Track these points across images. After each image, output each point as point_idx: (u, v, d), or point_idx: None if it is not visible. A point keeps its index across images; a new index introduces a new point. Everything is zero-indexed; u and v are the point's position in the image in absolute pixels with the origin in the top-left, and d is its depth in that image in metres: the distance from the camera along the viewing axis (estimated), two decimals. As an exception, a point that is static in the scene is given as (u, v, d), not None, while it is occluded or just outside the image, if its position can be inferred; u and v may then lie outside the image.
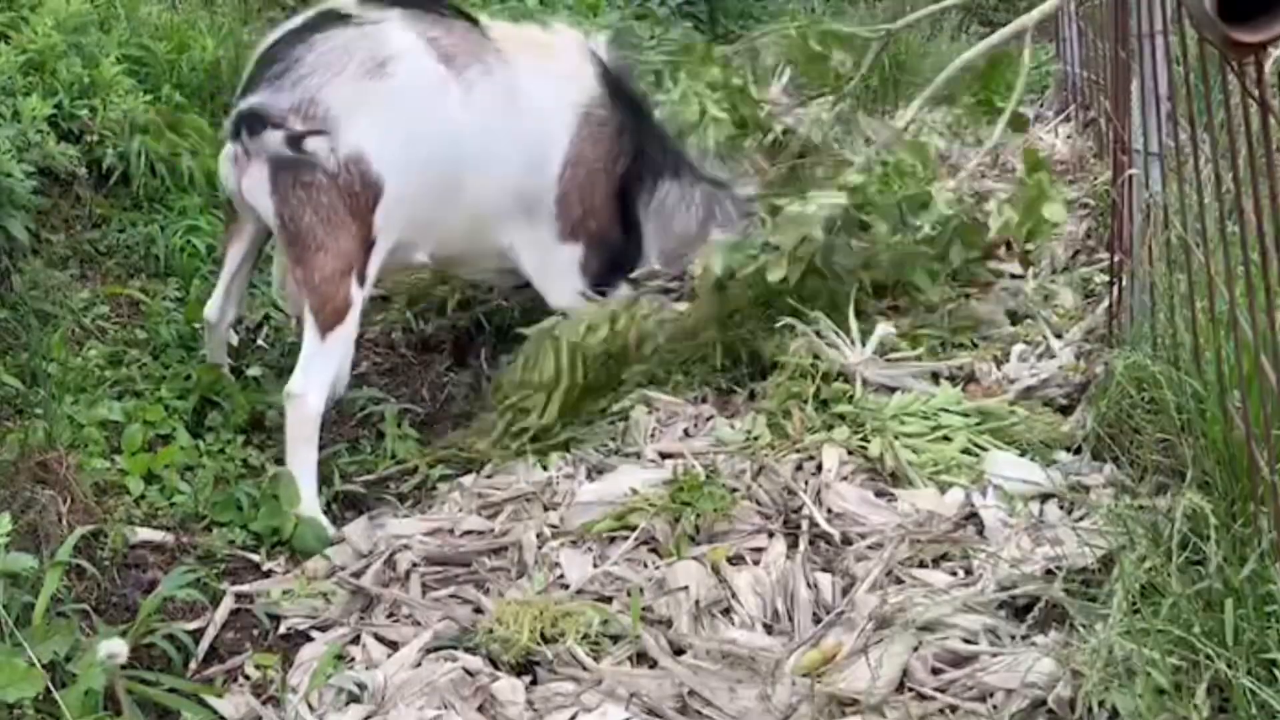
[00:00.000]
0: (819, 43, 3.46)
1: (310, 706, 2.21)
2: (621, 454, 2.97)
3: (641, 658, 2.25)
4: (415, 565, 2.61)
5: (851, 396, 2.91)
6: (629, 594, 2.40)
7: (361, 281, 2.95)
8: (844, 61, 3.70)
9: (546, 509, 2.75)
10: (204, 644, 2.42)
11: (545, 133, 3.30)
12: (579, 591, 2.44)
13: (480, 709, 2.16)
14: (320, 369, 2.89)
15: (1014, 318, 3.47)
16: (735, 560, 2.48)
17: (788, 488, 2.65)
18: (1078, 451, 2.70)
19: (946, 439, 2.77)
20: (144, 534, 2.71)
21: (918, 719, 2.01)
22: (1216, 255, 2.11)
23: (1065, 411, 2.89)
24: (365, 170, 2.90)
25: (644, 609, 2.36)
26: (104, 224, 3.75)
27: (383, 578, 2.59)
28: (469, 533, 2.72)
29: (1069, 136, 5.22)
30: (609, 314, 3.13)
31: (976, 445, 2.75)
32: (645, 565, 2.51)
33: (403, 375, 3.71)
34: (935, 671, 2.10)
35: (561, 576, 2.50)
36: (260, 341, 3.65)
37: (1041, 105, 6.16)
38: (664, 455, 2.89)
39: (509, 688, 2.18)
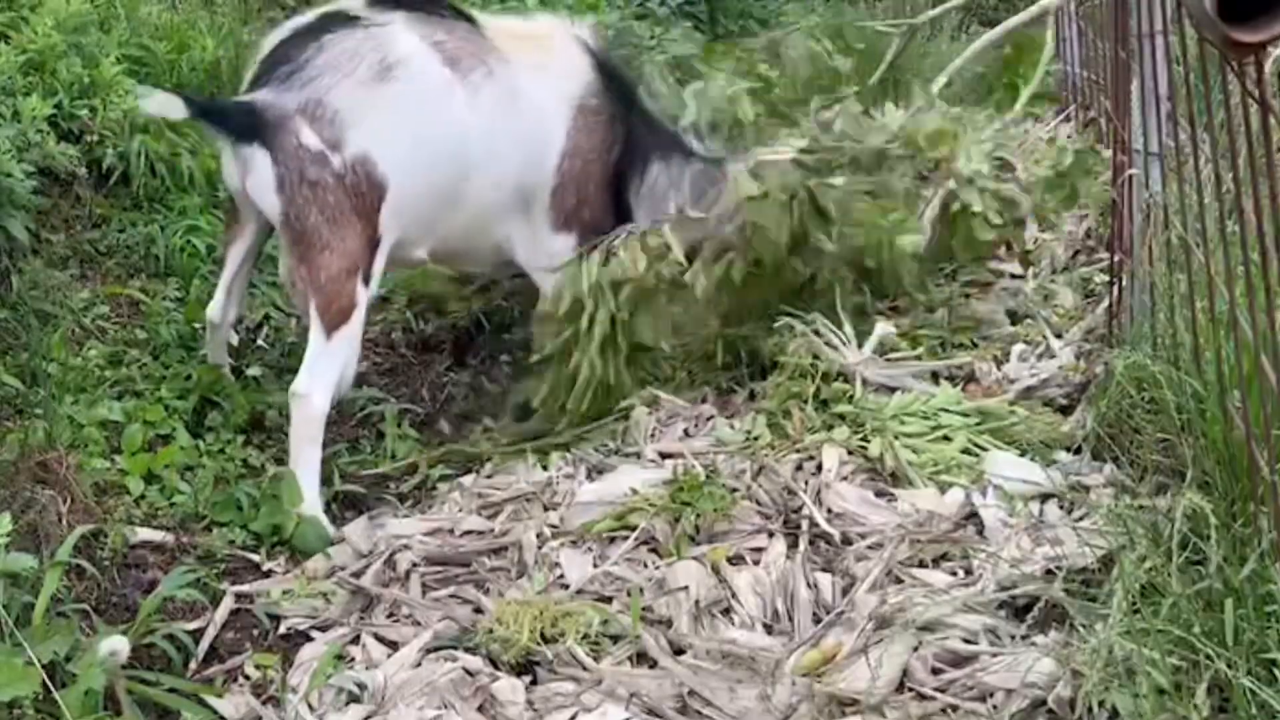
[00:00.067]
0: (840, 39, 3.46)
1: (310, 706, 2.21)
2: (621, 454, 2.97)
3: (641, 658, 2.25)
4: (415, 565, 2.61)
5: (851, 396, 2.91)
6: (629, 594, 2.40)
7: (366, 281, 2.96)
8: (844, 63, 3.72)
9: (546, 509, 2.75)
10: (204, 644, 2.42)
11: (544, 128, 3.31)
12: (579, 591, 2.44)
13: (480, 709, 2.16)
14: (325, 368, 2.89)
15: (1014, 318, 3.47)
16: (735, 560, 2.48)
17: (788, 488, 2.65)
18: (1078, 451, 2.70)
19: (946, 439, 2.77)
20: (144, 534, 2.71)
21: (918, 719, 2.01)
22: (1216, 255, 2.11)
23: (1065, 411, 2.89)
24: (371, 171, 2.91)
25: (644, 609, 2.36)
26: (104, 224, 3.75)
27: (383, 578, 2.59)
28: (469, 533, 2.72)
29: (1069, 136, 5.21)
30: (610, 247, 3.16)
31: (976, 445, 2.75)
32: (645, 565, 2.51)
33: (403, 375, 3.71)
34: (935, 671, 2.10)
35: (561, 576, 2.50)
36: (260, 341, 3.65)
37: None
38: (664, 455, 2.89)
39: (509, 688, 2.18)
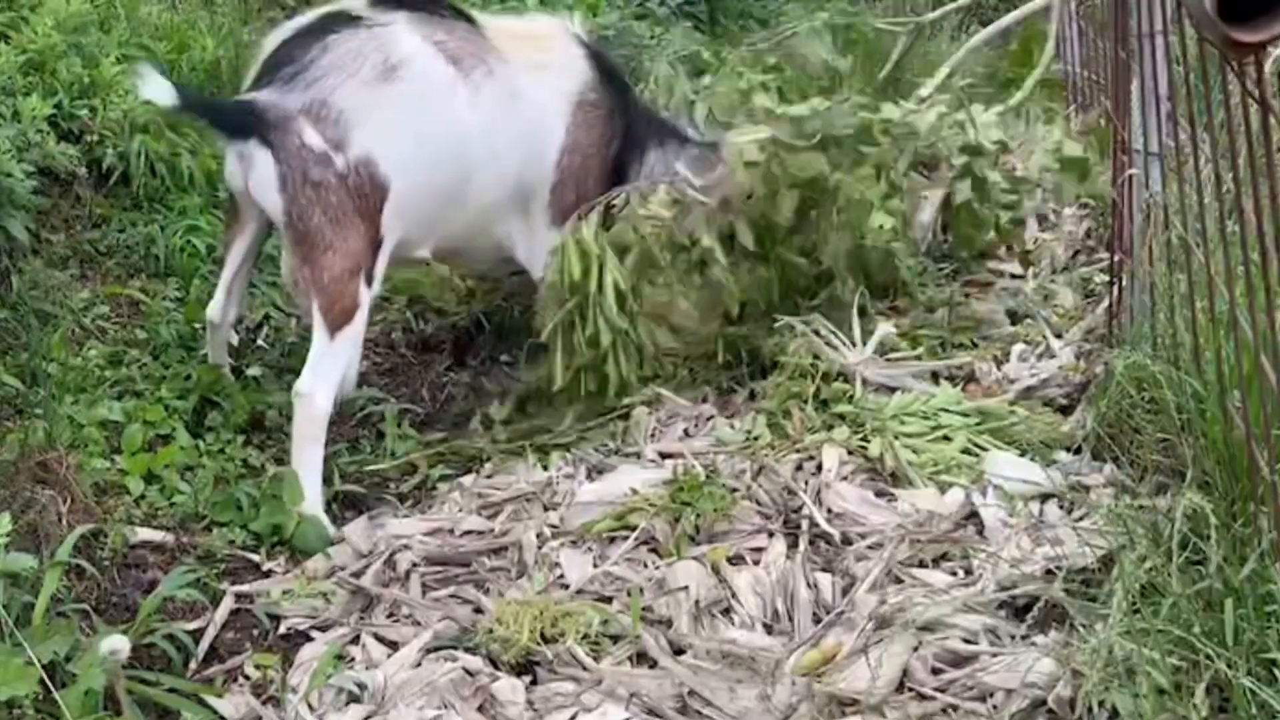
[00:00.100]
0: (847, 36, 3.46)
1: (310, 706, 2.21)
2: (621, 454, 2.97)
3: (641, 658, 2.25)
4: (415, 565, 2.61)
5: (851, 396, 2.91)
6: (629, 594, 2.40)
7: (369, 281, 2.97)
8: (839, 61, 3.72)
9: (546, 509, 2.75)
10: (204, 644, 2.42)
11: (543, 126, 3.32)
12: (579, 591, 2.44)
13: (480, 709, 2.16)
14: (329, 368, 2.90)
15: (1014, 318, 3.47)
16: (735, 560, 2.48)
17: (788, 488, 2.65)
18: (1078, 451, 2.70)
19: (946, 439, 2.78)
20: (144, 534, 2.71)
21: (918, 719, 2.01)
22: (1216, 255, 2.11)
23: (1065, 411, 2.89)
24: (374, 172, 2.92)
25: (644, 609, 2.36)
26: (104, 224, 3.75)
27: (383, 578, 2.59)
28: (469, 533, 2.72)
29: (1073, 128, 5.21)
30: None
31: (976, 445, 2.75)
32: (645, 565, 2.51)
33: (403, 375, 3.71)
34: (935, 671, 2.10)
35: (561, 576, 2.50)
36: (260, 341, 3.65)
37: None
38: (664, 455, 2.89)
39: (509, 688, 2.18)
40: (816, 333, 3.08)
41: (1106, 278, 3.24)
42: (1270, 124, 1.58)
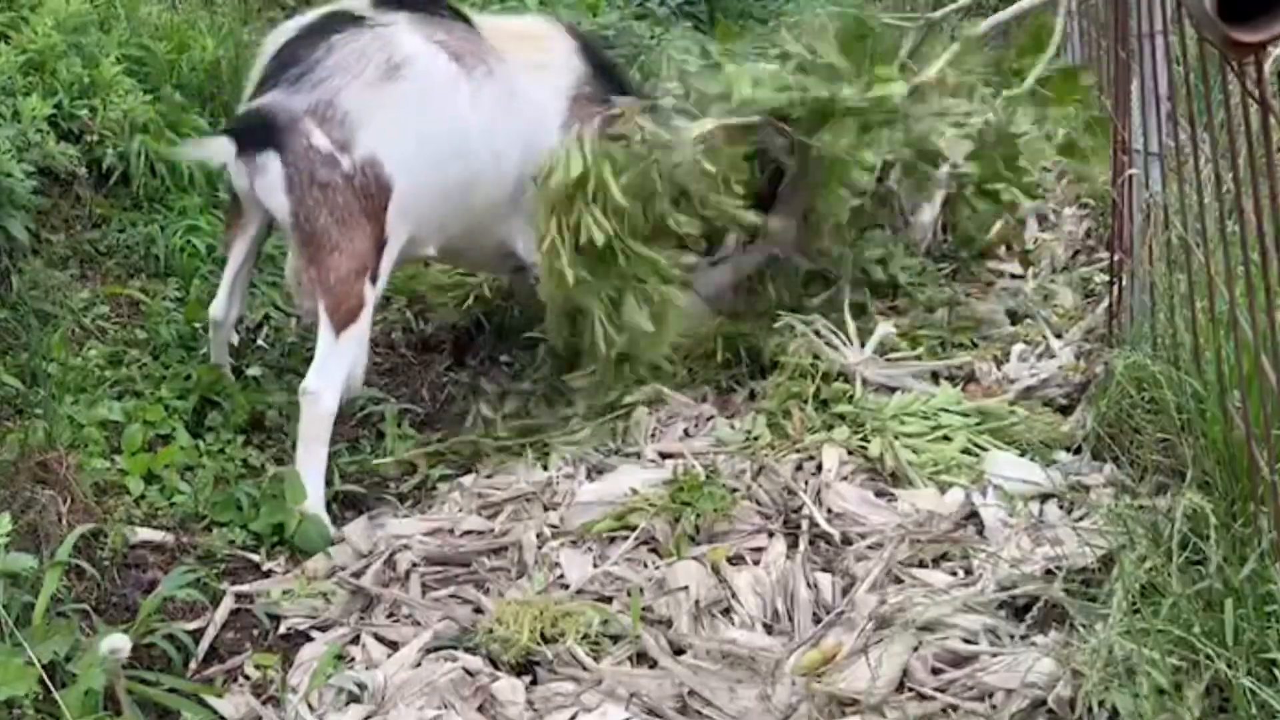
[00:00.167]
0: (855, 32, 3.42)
1: (310, 706, 2.21)
2: (621, 454, 2.97)
3: (641, 658, 2.25)
4: (415, 565, 2.61)
5: (851, 396, 2.91)
6: (629, 594, 2.40)
7: (374, 281, 2.98)
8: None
9: (546, 509, 2.75)
10: (204, 644, 2.42)
11: (541, 123, 3.32)
12: (579, 591, 2.44)
13: (480, 709, 2.16)
14: (334, 368, 2.91)
15: (1014, 317, 3.47)
16: (735, 560, 2.48)
17: (788, 488, 2.65)
18: (1078, 451, 2.70)
19: (946, 439, 2.78)
20: (144, 534, 2.71)
21: (917, 719, 2.01)
22: (1216, 255, 2.11)
23: (1065, 411, 2.89)
24: (380, 172, 2.93)
25: (644, 609, 2.36)
26: (104, 224, 3.75)
27: (383, 578, 2.59)
28: (469, 533, 2.72)
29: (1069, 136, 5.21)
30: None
31: (976, 445, 2.75)
32: (645, 565, 2.51)
33: (403, 375, 3.71)
34: (935, 671, 2.10)
35: (561, 576, 2.50)
36: (260, 341, 3.65)
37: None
38: (664, 455, 2.89)
39: (509, 688, 2.18)
40: (817, 333, 3.07)
41: (1106, 278, 3.24)
42: (1270, 124, 1.58)
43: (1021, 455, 2.69)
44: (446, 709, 2.15)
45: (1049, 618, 2.17)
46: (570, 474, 2.89)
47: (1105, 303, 3.20)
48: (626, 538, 2.56)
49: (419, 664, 2.28)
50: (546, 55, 3.39)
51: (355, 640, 2.40)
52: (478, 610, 2.42)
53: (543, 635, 2.27)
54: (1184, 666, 1.79)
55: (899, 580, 2.36)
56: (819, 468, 2.73)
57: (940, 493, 2.62)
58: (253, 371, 3.41)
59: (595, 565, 2.51)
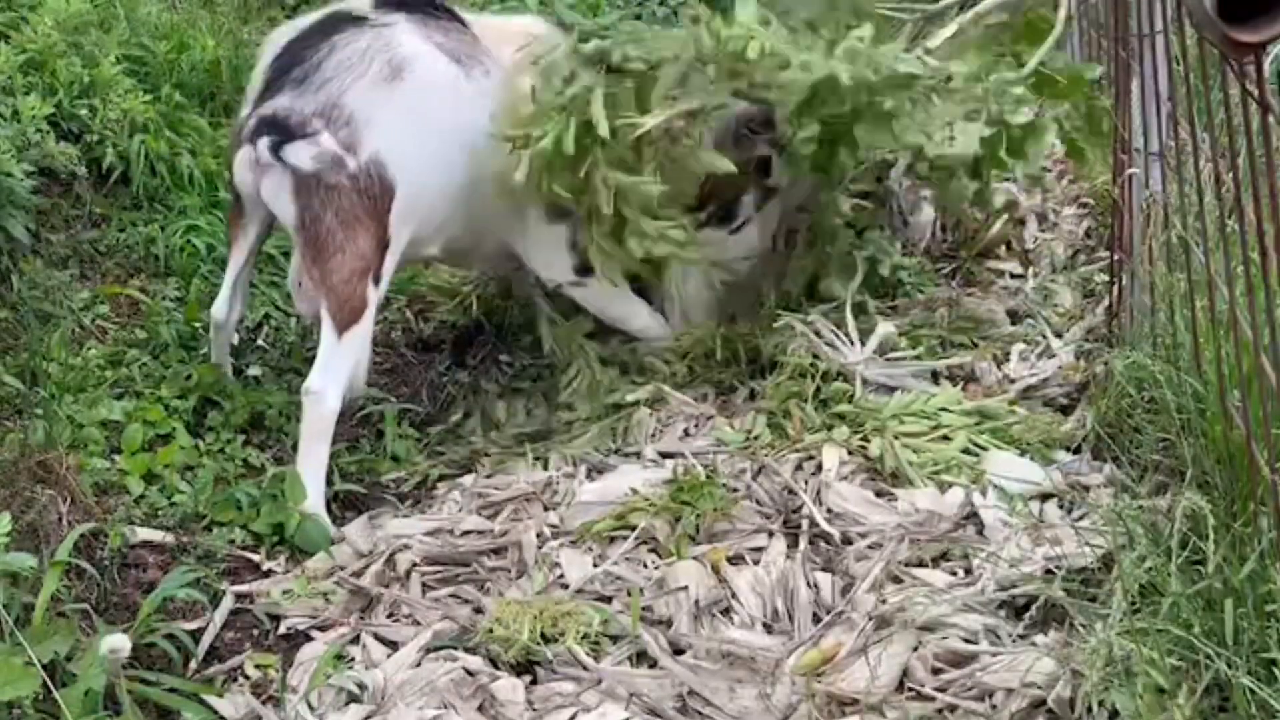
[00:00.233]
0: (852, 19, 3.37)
1: (310, 706, 2.21)
2: (621, 454, 2.97)
3: (641, 658, 2.25)
4: (415, 565, 2.61)
5: (851, 396, 2.91)
6: (629, 594, 2.40)
7: (377, 281, 2.99)
8: None
9: (546, 509, 2.75)
10: (204, 644, 2.42)
11: None
12: (579, 591, 2.44)
13: (480, 709, 2.16)
14: (338, 367, 2.92)
15: (1014, 317, 3.47)
16: (735, 560, 2.48)
17: (788, 487, 2.65)
18: (1078, 451, 2.70)
19: (946, 439, 2.77)
20: (144, 534, 2.71)
21: (917, 719, 2.01)
22: (1216, 255, 2.11)
23: (1065, 411, 2.89)
24: (384, 173, 2.94)
25: (644, 609, 2.36)
26: (104, 224, 3.75)
27: (383, 578, 2.59)
28: (469, 533, 2.72)
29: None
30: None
31: (976, 445, 2.74)
32: (645, 565, 2.50)
33: (403, 375, 3.71)
34: (935, 671, 2.10)
35: (561, 576, 2.50)
36: (260, 341, 3.65)
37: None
38: (664, 455, 2.89)
39: (509, 688, 2.18)
40: (817, 332, 3.07)
41: (1106, 277, 3.24)
42: (1270, 124, 1.58)
43: (1021, 455, 2.69)
44: (446, 709, 2.15)
45: (1049, 617, 2.17)
46: (570, 474, 2.89)
47: (1105, 302, 3.20)
48: (626, 538, 2.56)
49: (419, 664, 2.29)
50: (539, 52, 3.39)
51: (355, 640, 2.40)
52: (478, 610, 2.42)
53: (543, 635, 2.27)
54: (1184, 666, 1.79)
55: (899, 580, 2.36)
56: (819, 467, 2.72)
57: (940, 492, 2.62)
58: (253, 371, 3.41)
59: (595, 565, 2.51)
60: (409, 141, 2.98)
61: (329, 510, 2.90)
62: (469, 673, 2.23)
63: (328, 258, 2.91)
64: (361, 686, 2.22)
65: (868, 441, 2.76)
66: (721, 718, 2.09)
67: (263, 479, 2.93)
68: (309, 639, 2.45)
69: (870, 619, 2.21)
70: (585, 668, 2.21)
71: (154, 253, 3.71)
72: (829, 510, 2.58)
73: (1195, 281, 2.28)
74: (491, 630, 2.29)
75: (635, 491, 2.68)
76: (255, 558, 2.74)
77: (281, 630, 2.48)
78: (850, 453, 2.76)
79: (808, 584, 2.38)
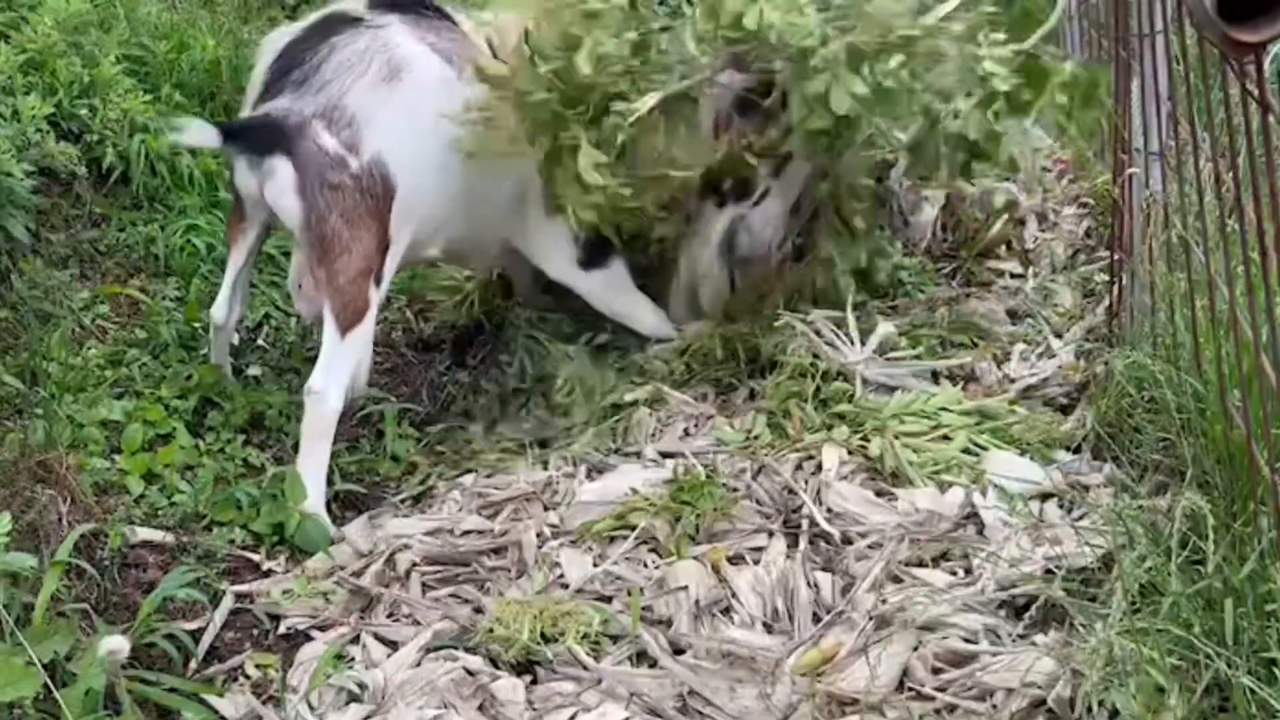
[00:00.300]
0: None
1: (310, 706, 2.21)
2: (621, 454, 2.97)
3: (641, 658, 2.25)
4: (415, 565, 2.61)
5: (851, 396, 2.91)
6: (629, 594, 2.40)
7: (378, 282, 3.00)
8: None
9: (546, 509, 2.75)
10: (204, 644, 2.42)
11: None
12: (579, 591, 2.44)
13: (480, 709, 2.16)
14: (340, 368, 2.93)
15: (1014, 317, 3.47)
16: (735, 560, 2.48)
17: (788, 487, 2.65)
18: (1078, 451, 2.70)
19: (946, 438, 2.77)
20: (144, 534, 2.71)
21: (918, 719, 2.01)
22: (1216, 255, 2.11)
23: (1065, 411, 2.89)
24: (385, 173, 2.95)
25: (644, 609, 2.36)
26: (104, 224, 3.75)
27: (383, 577, 2.59)
28: (469, 532, 2.72)
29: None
30: None
31: (976, 445, 2.74)
32: (645, 565, 2.50)
33: (403, 375, 3.71)
34: (935, 671, 2.10)
35: (561, 576, 2.50)
36: (260, 341, 3.65)
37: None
38: (664, 455, 2.89)
39: (509, 687, 2.18)
40: (817, 332, 3.07)
41: (1106, 277, 3.24)
42: (1270, 124, 1.58)
43: (1021, 455, 2.69)
44: (446, 709, 2.15)
45: (1049, 617, 2.17)
46: (570, 474, 2.89)
47: (1105, 302, 3.20)
48: (626, 537, 2.56)
49: (419, 664, 2.29)
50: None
51: (355, 640, 2.40)
52: (478, 610, 2.42)
53: (543, 635, 2.27)
54: (1184, 666, 1.79)
55: (899, 580, 2.36)
56: (819, 467, 2.72)
57: (940, 492, 2.62)
58: (253, 371, 3.42)
59: (595, 565, 2.51)
60: (407, 143, 2.99)
61: (329, 510, 2.90)
62: (469, 672, 2.23)
63: (334, 258, 2.92)
64: (361, 686, 2.22)
65: (868, 441, 2.76)
66: (721, 718, 2.09)
67: (263, 479, 2.94)
68: (309, 639, 2.45)
69: (870, 619, 2.21)
70: (585, 668, 2.21)
71: (154, 253, 3.71)
72: (829, 510, 2.58)
73: (1195, 281, 2.28)
74: (491, 630, 2.29)
75: (635, 491, 2.68)
76: (255, 557, 2.74)
77: (281, 630, 2.48)
78: (850, 452, 2.76)
79: (808, 584, 2.38)
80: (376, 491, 3.06)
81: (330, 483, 2.97)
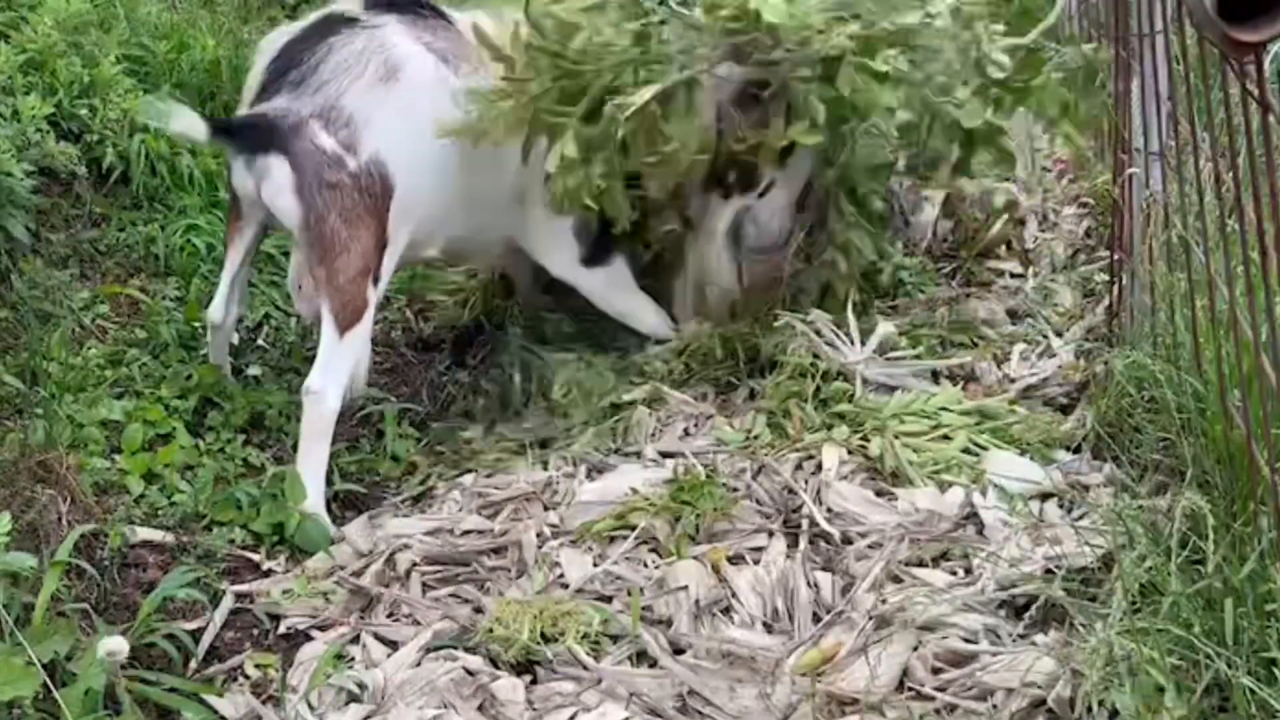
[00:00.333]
0: None
1: (310, 706, 2.21)
2: (621, 453, 2.97)
3: (641, 657, 2.25)
4: (415, 565, 2.61)
5: (851, 395, 2.91)
6: (629, 594, 2.40)
7: (376, 281, 3.00)
8: None
9: (546, 509, 2.75)
10: (204, 644, 2.42)
11: None
12: (579, 591, 2.44)
13: (480, 709, 2.16)
14: (338, 367, 2.93)
15: (1014, 317, 3.47)
16: (735, 560, 2.48)
17: (788, 487, 2.65)
18: (1078, 451, 2.70)
19: (946, 438, 2.77)
20: (144, 534, 2.71)
21: (918, 718, 2.01)
22: (1216, 255, 2.11)
23: (1065, 411, 2.89)
24: (384, 172, 2.96)
25: (644, 609, 2.36)
26: (104, 223, 3.75)
27: (383, 577, 2.59)
28: (469, 532, 2.72)
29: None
30: None
31: (976, 444, 2.74)
32: (645, 565, 2.50)
33: (403, 375, 3.71)
34: (935, 671, 2.10)
35: (561, 576, 2.50)
36: (260, 341, 3.65)
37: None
38: (664, 455, 2.89)
39: (509, 687, 2.18)
40: (817, 332, 3.07)
41: (1106, 277, 3.24)
42: (1270, 124, 1.58)
43: (1021, 455, 2.69)
44: (446, 709, 2.15)
45: (1049, 617, 2.17)
46: (570, 473, 2.89)
47: (1105, 302, 3.20)
48: (626, 537, 2.56)
49: (419, 663, 2.29)
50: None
51: (355, 640, 2.40)
52: (478, 610, 2.42)
53: (543, 635, 2.27)
54: (1183, 666, 1.79)
55: (899, 580, 2.36)
56: (819, 467, 2.72)
57: (940, 492, 2.62)
58: (253, 371, 3.41)
59: (595, 565, 2.51)
60: (405, 142, 2.99)
61: (329, 510, 2.90)
62: (469, 672, 2.23)
63: (334, 257, 2.92)
64: (361, 686, 2.22)
65: (868, 441, 2.76)
66: (721, 717, 2.09)
67: (263, 479, 2.94)
68: (309, 639, 2.45)
69: (870, 619, 2.21)
70: (585, 667, 2.21)
71: (154, 252, 3.71)
72: (829, 510, 2.58)
73: (1195, 281, 2.28)
74: (491, 630, 2.29)
75: (635, 491, 2.68)
76: (255, 557, 2.74)
77: (281, 630, 2.48)
78: (850, 452, 2.76)
79: (808, 584, 2.38)
80: (376, 491, 3.06)
81: (330, 483, 2.97)
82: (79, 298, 3.42)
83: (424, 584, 2.56)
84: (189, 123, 2.93)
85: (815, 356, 3.01)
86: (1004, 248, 3.93)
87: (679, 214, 3.44)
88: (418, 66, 3.06)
